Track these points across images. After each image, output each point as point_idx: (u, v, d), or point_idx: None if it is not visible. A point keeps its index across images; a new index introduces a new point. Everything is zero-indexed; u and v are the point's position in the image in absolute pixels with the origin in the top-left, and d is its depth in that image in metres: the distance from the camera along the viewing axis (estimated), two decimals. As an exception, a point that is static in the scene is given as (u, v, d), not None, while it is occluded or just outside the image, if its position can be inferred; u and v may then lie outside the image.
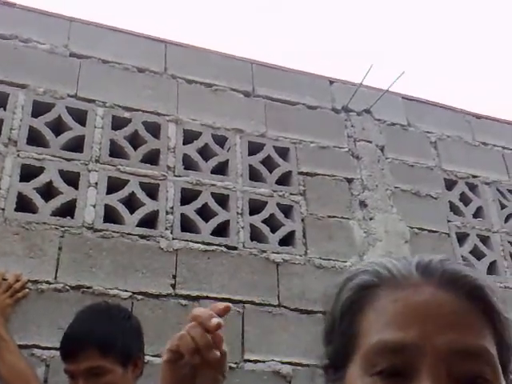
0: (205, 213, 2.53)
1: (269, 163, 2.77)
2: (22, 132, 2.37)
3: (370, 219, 2.78)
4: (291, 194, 2.71)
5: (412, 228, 2.82)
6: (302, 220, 2.66)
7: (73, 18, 2.75)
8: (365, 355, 0.61)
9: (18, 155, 2.32)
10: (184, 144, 2.64)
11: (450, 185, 3.08)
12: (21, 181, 2.28)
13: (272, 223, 2.62)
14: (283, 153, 2.82)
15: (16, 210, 2.21)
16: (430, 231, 2.86)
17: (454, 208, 3.01)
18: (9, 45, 2.55)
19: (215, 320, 0.79)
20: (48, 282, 2.12)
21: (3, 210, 2.19)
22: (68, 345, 1.62)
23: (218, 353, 0.80)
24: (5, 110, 2.40)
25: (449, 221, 2.95)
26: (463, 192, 3.08)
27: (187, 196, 2.52)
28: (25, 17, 2.65)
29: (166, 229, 2.40)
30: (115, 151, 2.51)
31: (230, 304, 0.83)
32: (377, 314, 0.63)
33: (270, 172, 2.74)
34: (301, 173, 2.78)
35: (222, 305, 0.83)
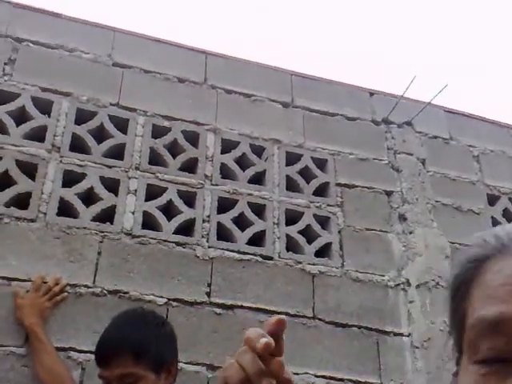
0: (241, 222, 2.52)
1: (306, 174, 2.75)
2: (65, 139, 2.43)
3: (410, 233, 2.72)
4: (328, 205, 2.69)
5: (453, 243, 2.75)
6: (339, 232, 2.63)
7: (116, 29, 2.81)
8: (467, 339, 0.53)
9: (61, 161, 2.37)
10: (222, 153, 2.65)
11: (492, 200, 3.00)
12: (63, 186, 2.32)
13: (308, 234, 2.59)
14: (321, 164, 2.80)
15: (57, 214, 2.25)
16: (471, 247, 2.78)
17: (496, 224, 2.91)
18: (54, 54, 2.62)
19: (263, 340, 0.62)
20: (86, 286, 2.15)
21: (45, 214, 2.23)
22: (102, 350, 1.63)
23: (275, 381, 0.64)
24: (49, 116, 2.46)
25: (491, 237, 2.86)
26: (506, 208, 3.00)
27: (224, 205, 2.53)
28: (70, 27, 2.72)
29: (203, 237, 2.40)
30: (154, 159, 2.54)
31: (284, 317, 0.67)
32: (481, 289, 0.54)
33: (308, 183, 2.72)
34: (338, 184, 2.76)
35: (273, 319, 0.66)
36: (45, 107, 2.48)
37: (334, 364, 2.30)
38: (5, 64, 2.51)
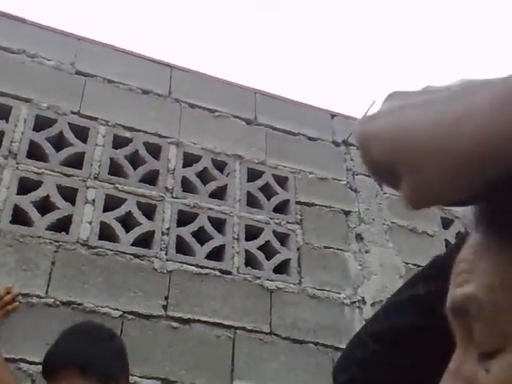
0: (201, 236, 2.51)
1: (267, 191, 2.77)
2: (23, 145, 2.37)
3: (366, 252, 2.77)
4: (288, 222, 2.71)
5: (407, 264, 2.81)
6: (298, 249, 2.65)
7: (81, 37, 2.78)
8: None
9: (17, 168, 2.31)
10: (184, 167, 2.65)
11: (446, 223, 3.08)
12: (18, 194, 2.26)
13: (267, 250, 2.60)
14: (282, 181, 2.83)
15: (11, 222, 2.19)
16: (424, 268, 2.85)
17: (449, 246, 3.01)
18: (16, 59, 2.57)
19: None
20: (39, 296, 2.09)
21: (-2, 221, 2.16)
22: (48, 363, 1.63)
23: None
24: (7, 122, 2.40)
25: (444, 259, 2.94)
26: (459, 232, 3.09)
27: (184, 218, 2.51)
28: (33, 33, 2.68)
29: (161, 249, 2.38)
30: (114, 170, 2.50)
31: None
32: None
33: (268, 199, 2.74)
34: (298, 202, 2.78)
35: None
36: (3, 112, 2.42)
37: (290, 380, 2.30)
38: (-38, 66, 2.44)
